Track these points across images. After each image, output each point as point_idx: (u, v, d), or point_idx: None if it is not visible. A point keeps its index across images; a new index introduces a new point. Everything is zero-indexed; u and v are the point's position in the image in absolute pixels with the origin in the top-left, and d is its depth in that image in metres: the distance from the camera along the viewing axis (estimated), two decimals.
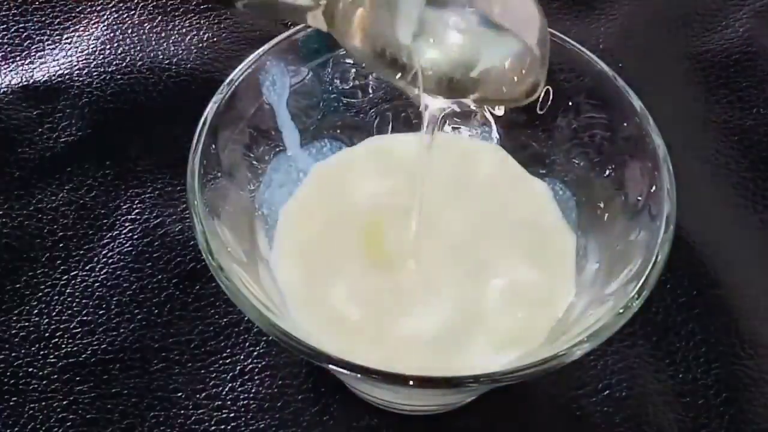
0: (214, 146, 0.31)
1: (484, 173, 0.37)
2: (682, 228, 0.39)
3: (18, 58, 0.46)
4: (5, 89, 0.43)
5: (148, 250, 0.39)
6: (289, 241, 0.34)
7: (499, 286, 0.33)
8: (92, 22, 0.48)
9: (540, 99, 0.35)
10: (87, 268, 0.38)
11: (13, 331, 0.36)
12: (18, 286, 0.38)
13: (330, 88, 0.37)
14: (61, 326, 0.36)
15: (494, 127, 0.38)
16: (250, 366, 0.36)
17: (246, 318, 0.36)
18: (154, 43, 0.46)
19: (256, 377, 0.35)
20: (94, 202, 0.40)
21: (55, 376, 0.35)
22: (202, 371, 0.35)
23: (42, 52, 0.46)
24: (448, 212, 0.35)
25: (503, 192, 0.36)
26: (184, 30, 0.47)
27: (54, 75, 0.44)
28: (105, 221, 0.40)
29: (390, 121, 0.38)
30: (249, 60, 0.33)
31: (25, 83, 0.44)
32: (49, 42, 0.47)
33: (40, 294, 0.37)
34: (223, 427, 0.34)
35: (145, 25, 0.47)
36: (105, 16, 0.48)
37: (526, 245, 0.34)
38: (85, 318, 0.37)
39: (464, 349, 0.31)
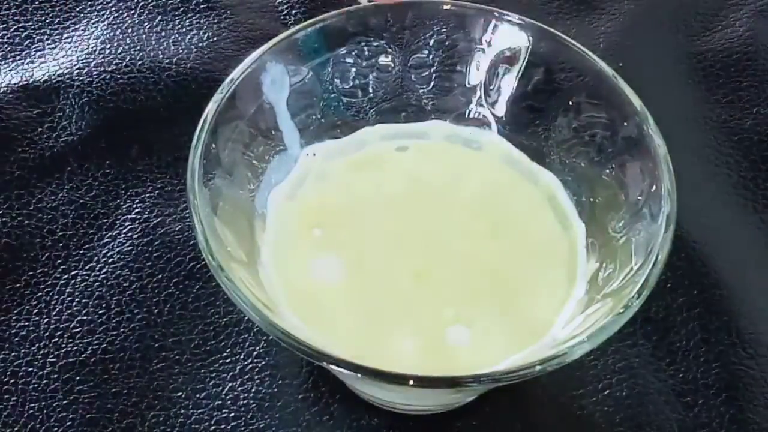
0: (214, 146, 0.31)
1: (486, 166, 0.37)
2: (682, 228, 0.39)
3: (18, 58, 0.46)
4: (5, 88, 0.43)
5: (148, 250, 0.39)
6: (282, 239, 0.34)
7: (499, 284, 0.33)
8: (92, 21, 0.48)
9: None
10: (87, 267, 0.38)
11: (13, 331, 0.36)
12: (18, 285, 0.38)
13: (330, 88, 0.37)
14: (61, 326, 0.36)
15: (494, 126, 0.38)
16: (250, 366, 0.36)
17: (246, 317, 0.36)
18: (154, 42, 0.46)
19: (256, 377, 0.35)
20: (94, 202, 0.40)
21: (55, 376, 0.35)
22: (202, 371, 0.35)
23: (42, 52, 0.46)
24: (449, 208, 0.35)
25: (506, 187, 0.36)
26: (184, 29, 0.47)
27: (54, 74, 0.44)
28: (105, 221, 0.40)
29: (390, 121, 0.38)
30: (249, 59, 0.33)
31: (25, 82, 0.44)
32: (49, 41, 0.47)
33: (40, 293, 0.37)
34: (223, 426, 0.34)
35: (145, 24, 0.47)
36: (105, 16, 0.48)
37: (529, 241, 0.34)
38: (84, 317, 0.37)
39: (464, 348, 0.31)
